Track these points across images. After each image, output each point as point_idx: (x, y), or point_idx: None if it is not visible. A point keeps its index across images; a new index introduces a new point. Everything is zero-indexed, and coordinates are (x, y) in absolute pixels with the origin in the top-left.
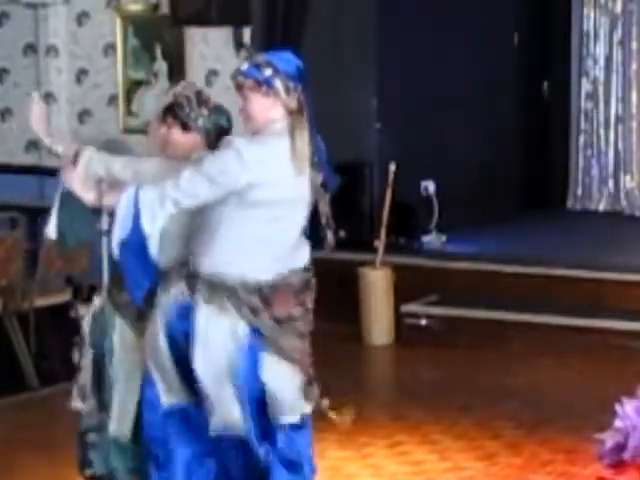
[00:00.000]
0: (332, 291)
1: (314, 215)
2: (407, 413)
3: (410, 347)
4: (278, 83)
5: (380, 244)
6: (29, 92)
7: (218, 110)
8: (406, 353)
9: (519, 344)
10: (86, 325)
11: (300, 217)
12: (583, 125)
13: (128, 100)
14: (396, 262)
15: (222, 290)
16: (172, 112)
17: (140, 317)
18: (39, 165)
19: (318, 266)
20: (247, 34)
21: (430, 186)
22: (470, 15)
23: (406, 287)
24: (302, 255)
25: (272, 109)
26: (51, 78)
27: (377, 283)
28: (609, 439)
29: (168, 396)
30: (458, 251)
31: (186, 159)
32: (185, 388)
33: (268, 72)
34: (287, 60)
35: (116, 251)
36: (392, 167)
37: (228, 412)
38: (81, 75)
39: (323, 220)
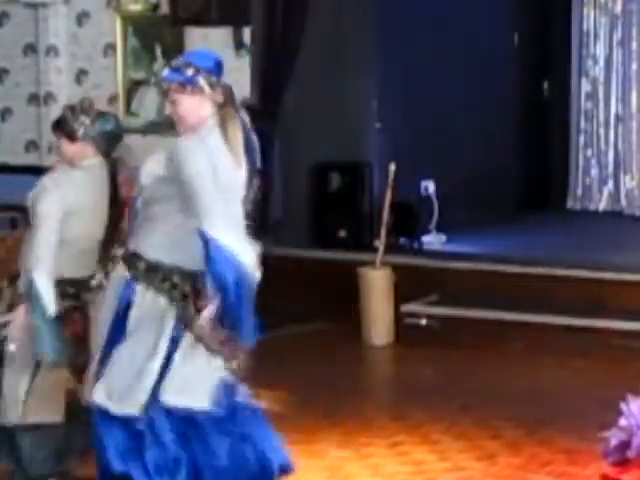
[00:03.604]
0: (332, 291)
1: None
2: (407, 413)
3: (410, 347)
4: (201, 81)
5: (380, 244)
6: (29, 92)
7: (102, 117)
8: (406, 353)
9: (519, 344)
10: None
11: (240, 207)
12: (583, 125)
13: (128, 100)
14: (396, 262)
15: (159, 273)
16: (58, 127)
17: None
18: (39, 165)
19: (318, 266)
20: (247, 34)
21: (430, 186)
22: (470, 15)
23: (406, 287)
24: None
25: (200, 107)
26: (51, 78)
27: (377, 283)
28: (613, 437)
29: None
30: (458, 251)
31: (80, 168)
32: None
33: (190, 72)
34: (205, 56)
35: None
36: (392, 167)
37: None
38: (81, 75)
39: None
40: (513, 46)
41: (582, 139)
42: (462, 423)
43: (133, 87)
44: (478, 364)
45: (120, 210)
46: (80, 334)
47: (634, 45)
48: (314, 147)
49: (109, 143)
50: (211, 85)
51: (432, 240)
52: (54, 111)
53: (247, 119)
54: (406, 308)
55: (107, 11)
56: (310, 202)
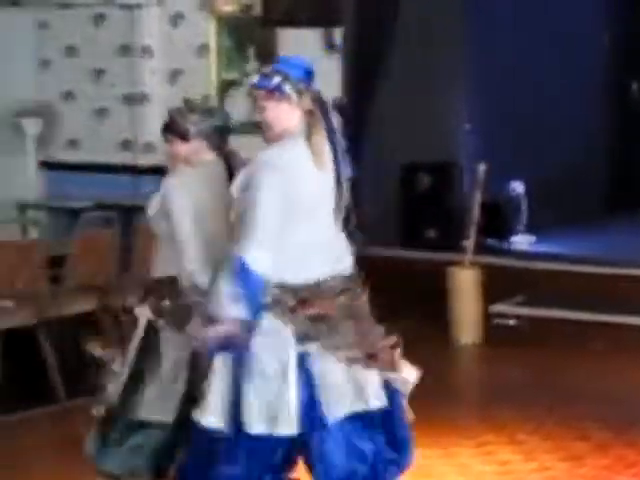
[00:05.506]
0: (421, 290)
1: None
2: (494, 413)
3: (498, 347)
4: (288, 88)
5: (469, 244)
6: (124, 92)
7: (209, 112)
8: (494, 353)
9: (606, 345)
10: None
11: (329, 216)
12: None
13: (221, 100)
14: (485, 262)
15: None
16: (169, 129)
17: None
18: (134, 164)
19: (407, 265)
20: (338, 35)
21: (519, 186)
22: (562, 15)
23: (495, 287)
24: (346, 260)
25: (287, 115)
26: (145, 78)
27: (466, 283)
28: None
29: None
30: (547, 252)
31: (197, 165)
32: None
33: (277, 79)
34: (294, 64)
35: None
36: (482, 167)
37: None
38: (175, 76)
39: (343, 213)
40: (604, 46)
41: None
42: (549, 423)
43: (226, 87)
44: (565, 365)
45: None
46: None
47: None
48: (404, 147)
49: (221, 138)
50: (298, 93)
51: (521, 240)
52: (148, 111)
53: (337, 122)
54: (494, 308)
55: (201, 12)
56: (400, 202)
